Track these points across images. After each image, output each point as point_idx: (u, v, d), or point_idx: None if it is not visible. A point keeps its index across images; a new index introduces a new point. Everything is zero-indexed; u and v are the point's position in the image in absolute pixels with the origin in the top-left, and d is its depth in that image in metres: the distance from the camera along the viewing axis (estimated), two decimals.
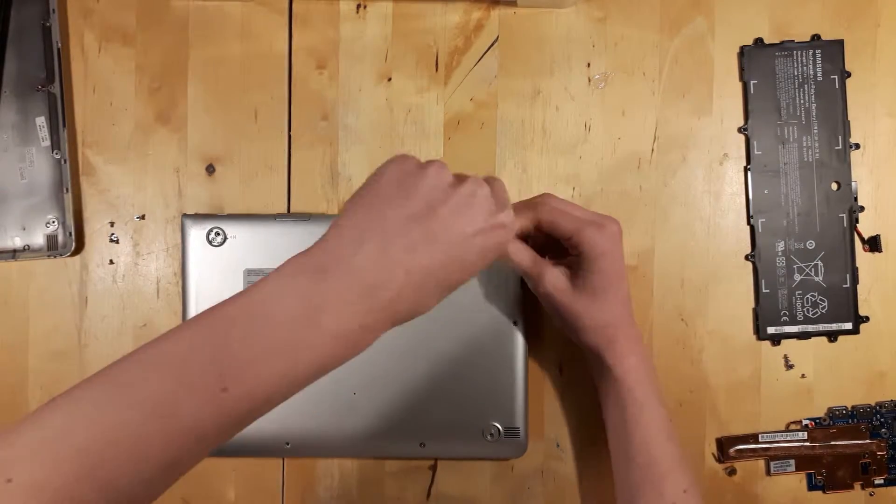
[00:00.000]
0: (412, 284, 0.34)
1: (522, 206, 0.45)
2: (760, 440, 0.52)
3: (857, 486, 0.53)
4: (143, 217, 0.53)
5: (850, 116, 0.53)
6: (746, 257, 0.53)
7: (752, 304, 0.53)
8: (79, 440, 0.29)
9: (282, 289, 0.33)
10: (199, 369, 0.31)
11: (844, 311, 0.53)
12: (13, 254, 0.52)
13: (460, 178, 0.37)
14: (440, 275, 0.35)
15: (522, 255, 0.45)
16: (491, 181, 0.39)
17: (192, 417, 0.31)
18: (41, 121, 0.52)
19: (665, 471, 0.43)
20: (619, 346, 0.45)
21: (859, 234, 0.53)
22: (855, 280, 0.53)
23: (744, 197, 0.53)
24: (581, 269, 0.44)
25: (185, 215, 0.51)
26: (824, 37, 0.53)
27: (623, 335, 0.45)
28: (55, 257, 0.52)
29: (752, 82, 0.53)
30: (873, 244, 0.53)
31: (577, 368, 0.53)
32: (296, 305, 0.33)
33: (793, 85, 0.53)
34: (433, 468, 0.53)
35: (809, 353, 0.53)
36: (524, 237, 0.46)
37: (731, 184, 0.53)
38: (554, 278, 0.45)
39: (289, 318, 0.32)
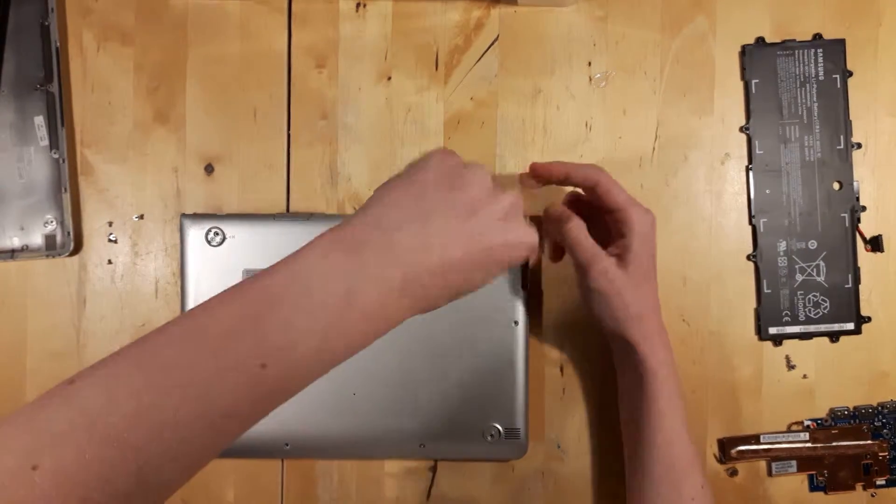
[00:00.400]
0: (442, 274, 0.34)
1: (578, 167, 0.46)
2: (762, 441, 0.52)
3: (859, 486, 0.52)
4: (141, 217, 0.53)
5: (852, 116, 0.52)
6: (748, 257, 0.53)
7: (754, 305, 0.53)
8: (114, 423, 0.28)
9: (320, 266, 0.33)
10: (239, 348, 0.30)
11: (846, 312, 0.52)
12: (11, 254, 0.52)
13: (499, 186, 0.38)
14: (467, 273, 0.36)
15: (585, 241, 0.46)
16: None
17: (231, 397, 0.30)
18: (39, 120, 0.52)
19: (686, 467, 0.44)
20: (655, 338, 0.45)
21: (861, 234, 0.53)
22: (857, 280, 0.52)
23: (745, 196, 0.53)
24: (628, 254, 0.45)
25: (183, 215, 0.51)
26: (826, 36, 0.53)
27: (658, 327, 0.46)
28: (53, 257, 0.52)
29: (753, 81, 0.53)
30: (875, 244, 0.53)
31: (577, 369, 0.53)
32: (334, 284, 0.32)
33: (794, 84, 0.52)
34: (433, 469, 0.53)
35: (811, 354, 0.53)
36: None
37: (733, 183, 0.53)
38: (608, 264, 0.45)
39: (327, 298, 0.32)
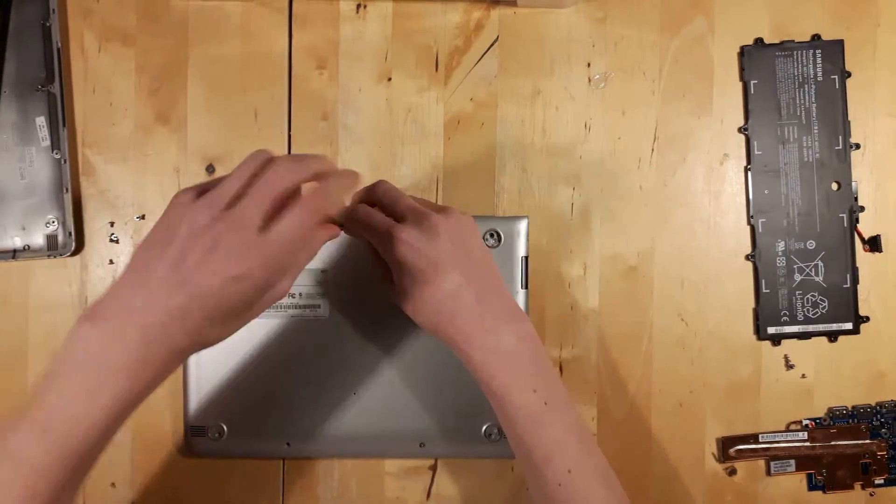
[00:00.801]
0: (178, 320, 0.35)
1: (364, 189, 0.45)
2: (761, 440, 0.52)
3: (858, 486, 0.53)
4: (143, 217, 0.53)
5: (851, 116, 0.53)
6: (747, 257, 0.53)
7: (753, 304, 0.53)
8: None
9: (73, 338, 0.35)
10: (23, 414, 0.34)
11: (845, 311, 0.53)
12: (13, 254, 0.52)
13: (222, 215, 0.36)
14: (203, 312, 0.36)
15: (376, 215, 0.43)
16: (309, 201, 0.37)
17: (37, 459, 0.33)
18: (41, 121, 0.52)
19: (544, 457, 0.40)
20: (461, 341, 0.41)
21: (860, 234, 0.53)
22: (855, 280, 0.53)
23: (744, 197, 0.53)
24: (395, 278, 0.43)
25: None
26: (824, 37, 0.53)
27: (461, 328, 0.41)
28: (55, 257, 0.52)
29: (752, 82, 0.53)
30: (873, 244, 0.53)
31: (577, 369, 0.53)
32: (84, 351, 0.35)
33: (793, 85, 0.53)
34: (433, 468, 0.53)
35: (810, 353, 0.53)
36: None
37: (732, 184, 0.53)
38: (410, 232, 0.41)
39: (81, 364, 0.34)
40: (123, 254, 0.53)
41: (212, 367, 0.51)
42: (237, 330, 0.38)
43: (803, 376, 0.53)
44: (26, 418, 0.34)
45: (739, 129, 0.53)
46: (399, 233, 0.41)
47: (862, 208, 0.53)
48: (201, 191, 0.37)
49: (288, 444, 0.51)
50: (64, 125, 0.52)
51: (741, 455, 0.53)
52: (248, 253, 0.35)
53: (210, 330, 0.36)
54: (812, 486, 0.53)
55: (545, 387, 0.41)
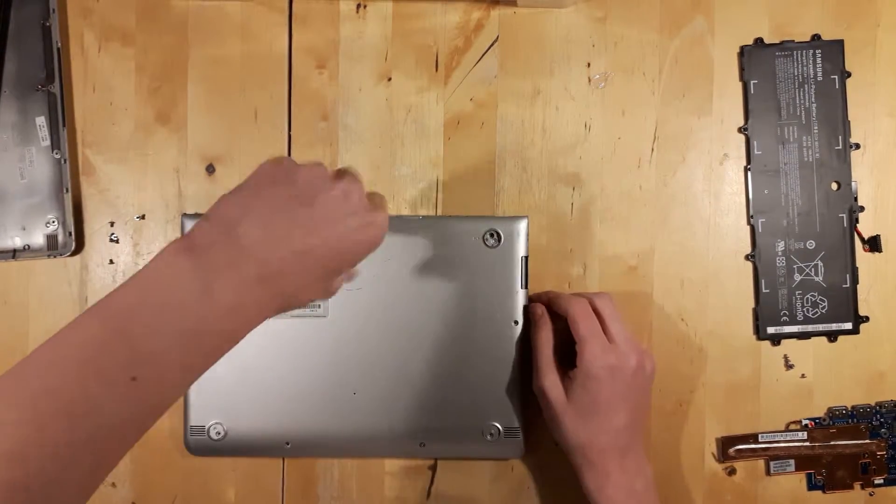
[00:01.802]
0: (298, 262, 0.35)
1: (557, 297, 0.48)
2: (760, 440, 0.53)
3: (857, 486, 0.53)
4: (143, 217, 0.53)
5: (851, 116, 0.53)
6: (746, 257, 0.53)
7: (752, 304, 0.53)
8: (6, 448, 0.28)
9: (170, 272, 0.33)
10: (107, 365, 0.31)
11: (844, 311, 0.53)
12: (13, 253, 0.52)
13: (339, 175, 0.38)
14: (322, 260, 0.36)
15: (543, 350, 0.47)
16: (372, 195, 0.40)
17: (112, 414, 0.31)
18: (41, 120, 0.52)
19: None
20: (600, 471, 0.45)
21: (859, 234, 0.53)
22: (855, 280, 0.53)
23: (744, 197, 0.53)
24: (572, 384, 0.46)
25: (184, 215, 0.51)
26: (824, 37, 0.53)
27: (607, 461, 0.45)
28: (55, 257, 0.52)
29: (752, 82, 0.53)
30: (873, 244, 0.53)
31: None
32: (188, 286, 0.33)
33: (793, 85, 0.53)
34: (433, 468, 0.53)
35: (809, 353, 0.53)
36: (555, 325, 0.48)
37: (731, 184, 0.53)
38: (551, 380, 0.46)
39: (184, 301, 0.32)
40: (123, 253, 0.53)
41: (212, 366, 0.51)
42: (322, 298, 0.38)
43: (803, 376, 0.53)
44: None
45: (739, 129, 0.53)
46: (612, 353, 0.45)
47: (862, 208, 0.53)
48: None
49: (288, 443, 0.51)
50: (64, 125, 0.52)
51: (741, 455, 0.53)
52: (370, 211, 0.38)
53: (315, 284, 0.36)
54: (811, 486, 0.53)
55: None
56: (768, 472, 0.53)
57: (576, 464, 0.46)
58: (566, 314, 0.47)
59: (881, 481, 0.53)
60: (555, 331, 0.48)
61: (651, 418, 0.53)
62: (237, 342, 0.35)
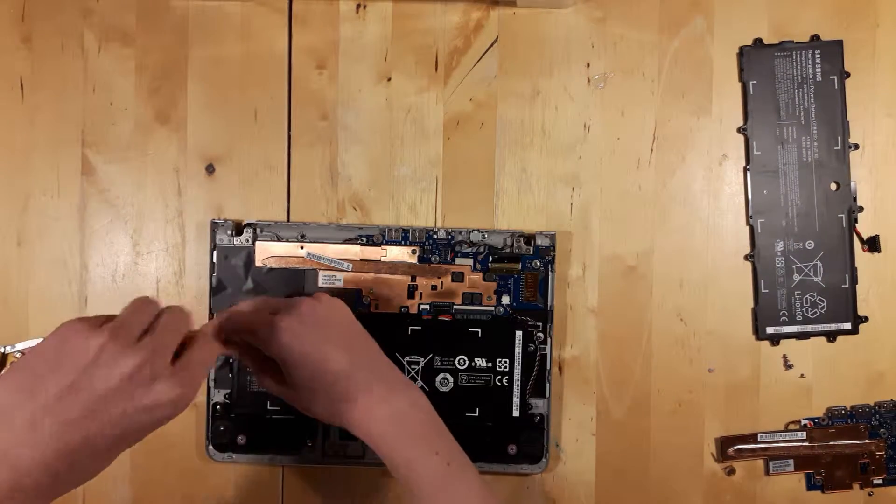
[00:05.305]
0: (53, 466, 0.33)
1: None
2: (759, 440, 0.53)
3: (856, 486, 0.53)
4: (142, 217, 0.53)
5: (850, 117, 0.53)
6: (745, 257, 0.53)
7: (752, 304, 0.53)
8: None
9: None
10: None
11: (843, 312, 0.53)
12: None
13: (132, 344, 0.35)
14: (94, 456, 0.34)
15: (250, 311, 0.42)
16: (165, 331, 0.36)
17: None
18: None
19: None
20: (359, 418, 0.41)
21: (858, 235, 0.53)
22: (854, 280, 0.53)
23: (743, 197, 0.53)
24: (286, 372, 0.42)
25: (213, 222, 0.51)
26: (823, 37, 0.53)
27: (355, 408, 0.41)
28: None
29: (751, 82, 0.53)
30: (872, 244, 0.53)
31: (577, 369, 0.53)
32: None
33: (792, 85, 0.53)
34: None
35: (808, 353, 0.53)
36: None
37: (731, 184, 0.53)
38: (267, 383, 0.43)
39: None
40: (123, 253, 0.53)
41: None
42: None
43: (802, 376, 0.53)
44: None
45: (738, 130, 0.53)
46: (279, 322, 0.40)
47: (861, 208, 0.53)
48: (96, 324, 0.35)
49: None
50: None
51: (740, 455, 0.53)
52: (173, 379, 0.35)
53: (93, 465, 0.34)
54: (811, 486, 0.53)
55: (445, 449, 0.41)
56: (767, 472, 0.53)
57: (352, 430, 0.42)
58: (233, 333, 0.42)
59: (880, 481, 0.53)
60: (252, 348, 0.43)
61: (650, 418, 0.53)
62: None
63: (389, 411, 0.41)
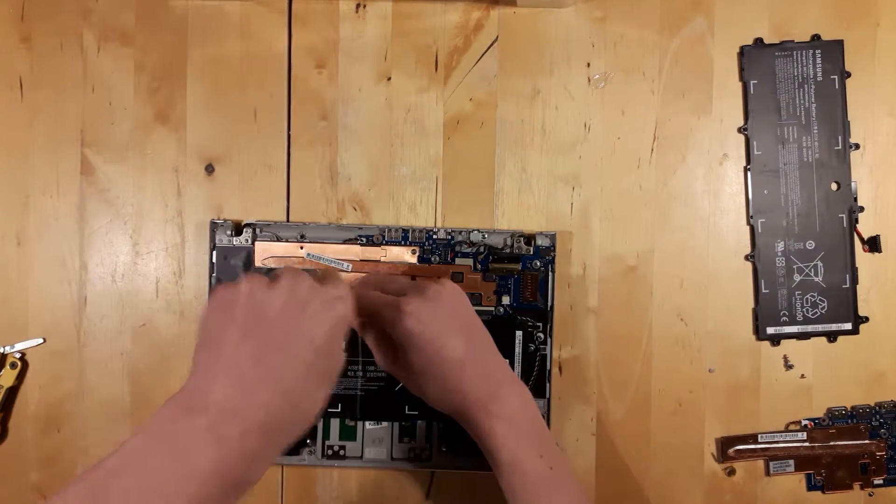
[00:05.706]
0: (278, 399, 0.34)
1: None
2: (760, 440, 0.52)
3: (857, 486, 0.53)
4: (142, 217, 0.53)
5: (850, 116, 0.53)
6: (746, 257, 0.53)
7: (752, 305, 0.53)
8: None
9: (153, 434, 0.33)
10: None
11: (844, 312, 0.53)
12: None
13: (277, 277, 0.37)
14: (300, 369, 0.35)
15: (378, 294, 0.44)
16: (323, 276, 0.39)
17: None
18: None
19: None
20: (471, 410, 0.41)
21: (859, 235, 0.53)
22: (854, 280, 0.53)
23: (743, 197, 0.53)
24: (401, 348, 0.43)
25: (213, 221, 0.51)
26: (824, 37, 0.53)
27: (467, 400, 0.42)
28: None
29: (751, 82, 0.53)
30: (873, 244, 0.53)
31: (577, 369, 0.53)
32: (165, 451, 0.32)
33: (793, 85, 0.53)
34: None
35: (809, 354, 0.53)
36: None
37: (731, 184, 0.53)
38: (416, 305, 0.42)
39: (161, 465, 0.32)
40: (123, 253, 0.53)
41: None
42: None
43: (802, 376, 0.53)
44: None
45: (739, 130, 0.53)
46: (405, 306, 0.41)
47: (861, 208, 0.53)
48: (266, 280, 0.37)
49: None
50: None
51: (740, 455, 0.53)
52: (325, 289, 0.38)
53: (308, 397, 0.36)
54: (811, 487, 0.53)
55: (549, 451, 0.41)
56: (768, 473, 0.53)
57: (452, 416, 0.43)
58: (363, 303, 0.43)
59: (880, 482, 0.53)
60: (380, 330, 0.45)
61: (650, 418, 0.53)
62: (251, 486, 0.34)
63: (500, 409, 0.41)
